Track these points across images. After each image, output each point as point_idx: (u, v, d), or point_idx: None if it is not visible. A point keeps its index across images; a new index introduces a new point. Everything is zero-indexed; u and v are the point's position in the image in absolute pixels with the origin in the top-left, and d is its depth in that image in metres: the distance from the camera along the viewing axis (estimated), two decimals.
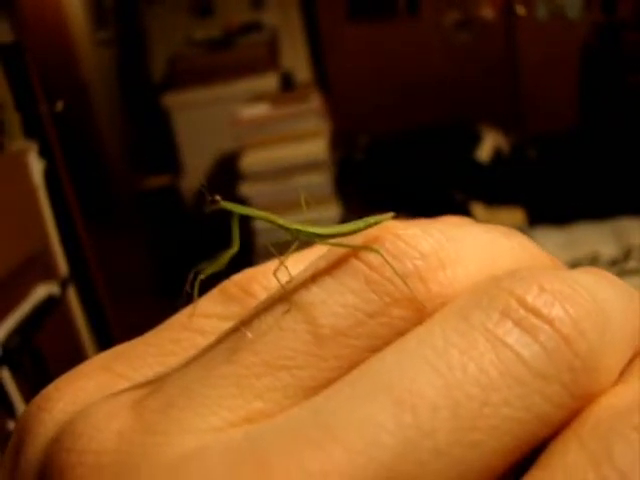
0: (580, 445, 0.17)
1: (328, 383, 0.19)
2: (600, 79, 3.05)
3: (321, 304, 0.21)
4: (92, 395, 0.23)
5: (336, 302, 0.21)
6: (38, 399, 0.23)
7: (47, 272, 1.55)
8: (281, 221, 0.25)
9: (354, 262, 0.22)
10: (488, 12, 3.28)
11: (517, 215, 2.34)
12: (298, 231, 0.26)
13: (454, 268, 0.22)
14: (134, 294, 2.72)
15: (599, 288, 0.21)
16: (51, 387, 0.23)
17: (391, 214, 0.25)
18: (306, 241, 0.26)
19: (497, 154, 2.87)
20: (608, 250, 1.98)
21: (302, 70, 3.44)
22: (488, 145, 2.86)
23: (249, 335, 0.21)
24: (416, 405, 0.17)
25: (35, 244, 1.52)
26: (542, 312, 0.19)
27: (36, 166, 1.53)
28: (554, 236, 2.12)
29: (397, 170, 2.88)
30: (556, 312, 0.19)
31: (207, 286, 0.26)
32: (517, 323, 0.19)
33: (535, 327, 0.19)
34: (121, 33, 3.54)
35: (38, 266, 1.52)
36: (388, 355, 0.19)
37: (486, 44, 3.31)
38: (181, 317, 0.25)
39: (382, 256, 0.21)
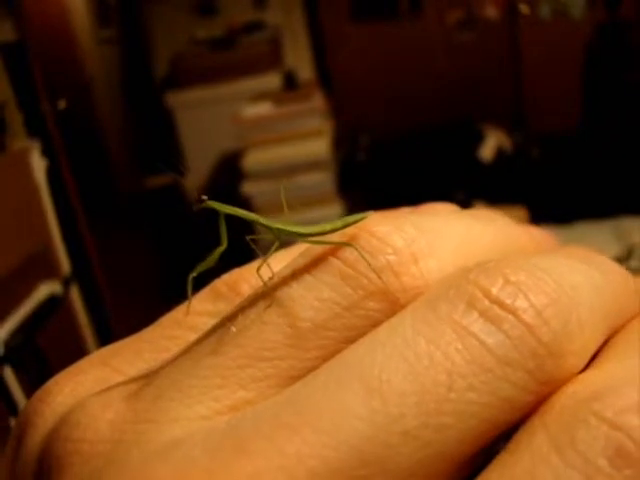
0: (545, 431, 0.18)
1: (308, 373, 0.20)
2: (603, 79, 3.05)
3: (300, 299, 0.22)
4: (90, 388, 0.24)
5: (314, 297, 0.22)
6: (39, 393, 0.24)
7: (49, 271, 1.55)
8: (263, 221, 0.27)
9: (330, 259, 0.23)
10: (491, 11, 3.28)
11: (519, 214, 2.34)
12: (280, 230, 0.27)
13: (427, 261, 0.23)
14: (137, 293, 2.73)
15: (569, 273, 0.21)
16: (51, 381, 0.24)
17: (370, 212, 0.26)
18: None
19: (500, 153, 2.87)
20: (610, 249, 1.98)
21: (305, 69, 3.44)
22: (491, 144, 2.86)
23: (233, 329, 0.22)
24: (385, 391, 0.18)
25: (37, 243, 1.52)
26: (506, 303, 0.20)
27: (38, 165, 1.53)
28: (556, 235, 2.12)
29: (399, 169, 2.88)
30: (519, 303, 0.20)
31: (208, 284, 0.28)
32: (482, 313, 0.20)
33: (499, 317, 0.19)
34: (124, 32, 3.55)
35: (40, 265, 1.52)
36: (362, 345, 0.20)
37: (489, 43, 3.31)
38: (175, 315, 0.27)
39: (358, 252, 0.23)
